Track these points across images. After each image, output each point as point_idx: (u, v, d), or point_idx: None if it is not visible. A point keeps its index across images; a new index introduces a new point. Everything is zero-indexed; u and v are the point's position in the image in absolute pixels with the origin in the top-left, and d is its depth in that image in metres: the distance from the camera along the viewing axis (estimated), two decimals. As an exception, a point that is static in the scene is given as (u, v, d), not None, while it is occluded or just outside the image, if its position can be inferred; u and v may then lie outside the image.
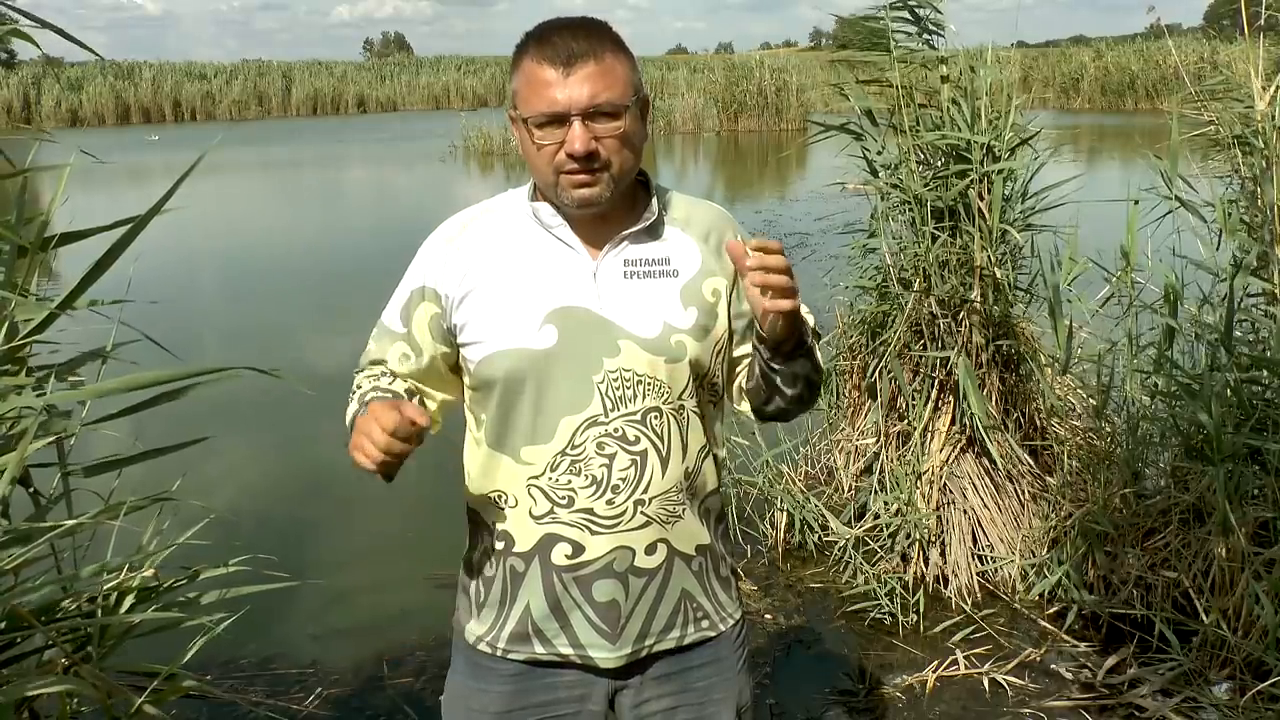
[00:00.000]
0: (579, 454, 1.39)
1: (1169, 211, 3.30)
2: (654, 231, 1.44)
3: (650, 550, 1.43)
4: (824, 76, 26.24)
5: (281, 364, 6.62)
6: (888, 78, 3.51)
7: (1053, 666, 3.03)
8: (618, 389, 1.39)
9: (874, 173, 3.66)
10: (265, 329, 7.78)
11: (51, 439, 1.62)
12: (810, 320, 1.47)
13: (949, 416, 3.53)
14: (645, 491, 1.41)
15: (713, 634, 1.52)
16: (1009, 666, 3.02)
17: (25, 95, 33.38)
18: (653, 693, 1.50)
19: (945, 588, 3.44)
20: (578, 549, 1.41)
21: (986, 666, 3.02)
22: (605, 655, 1.46)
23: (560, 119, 1.32)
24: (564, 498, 1.40)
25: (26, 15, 1.63)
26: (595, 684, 1.48)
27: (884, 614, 3.30)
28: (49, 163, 2.10)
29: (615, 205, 1.41)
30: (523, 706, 1.49)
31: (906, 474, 3.50)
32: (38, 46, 1.76)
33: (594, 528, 1.41)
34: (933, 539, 3.47)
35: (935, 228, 3.42)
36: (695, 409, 1.45)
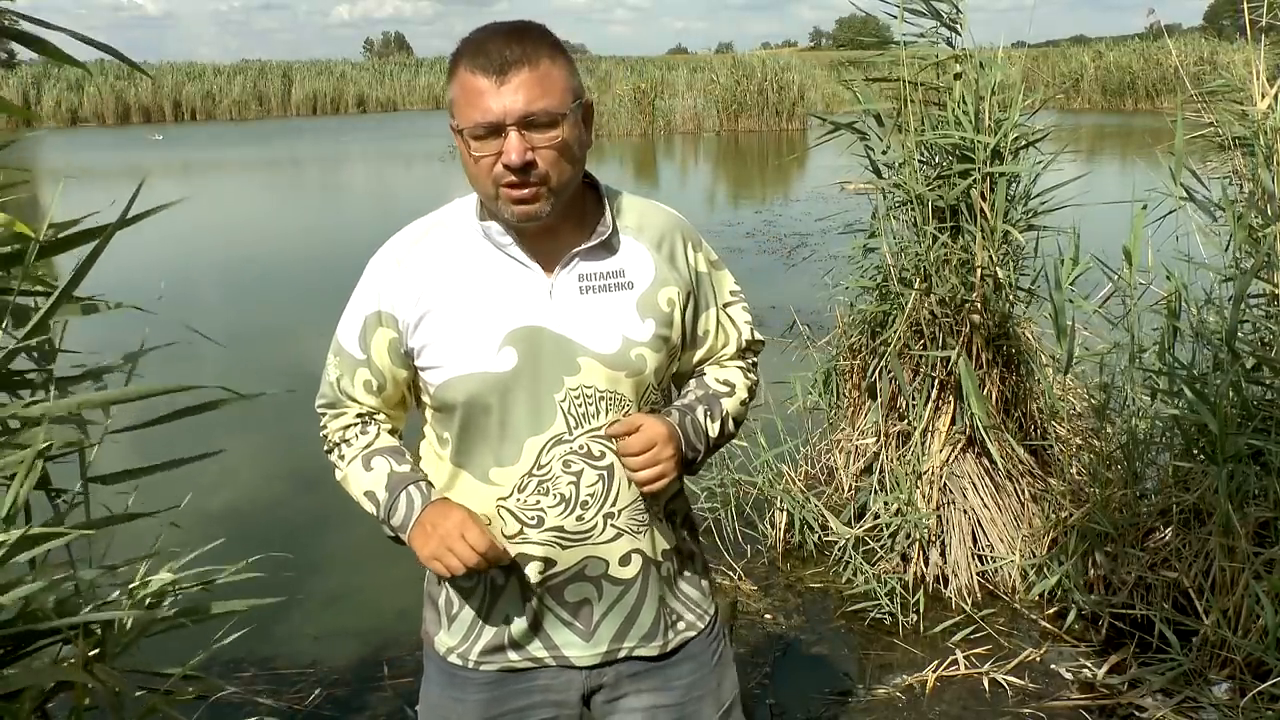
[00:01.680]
0: (546, 474, 1.39)
1: (1170, 212, 3.30)
2: (608, 244, 1.41)
3: (624, 561, 1.44)
4: (824, 76, 26.29)
5: (281, 364, 6.62)
6: (897, 74, 3.50)
7: (1053, 666, 3.03)
8: (580, 406, 1.38)
9: (877, 172, 3.66)
10: (266, 329, 7.78)
11: (73, 449, 1.63)
12: (706, 420, 1.48)
13: (949, 416, 3.53)
14: (614, 504, 1.41)
15: (692, 634, 1.53)
16: (1009, 666, 3.02)
17: (25, 95, 33.38)
18: (629, 689, 1.51)
19: (945, 588, 3.44)
20: (549, 564, 1.42)
21: (986, 666, 3.02)
22: (580, 653, 1.47)
23: (496, 129, 1.29)
24: (533, 518, 1.40)
25: (34, 20, 1.63)
26: (570, 685, 1.49)
27: (884, 614, 3.30)
28: (52, 162, 2.10)
29: (564, 218, 1.38)
30: (499, 714, 1.50)
31: (906, 474, 3.50)
32: (71, 60, 1.73)
33: (564, 544, 1.41)
34: (933, 539, 3.47)
35: (937, 227, 3.42)
36: None
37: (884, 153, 3.61)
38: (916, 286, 3.46)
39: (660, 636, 1.50)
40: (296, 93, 38.53)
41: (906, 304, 3.48)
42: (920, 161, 3.54)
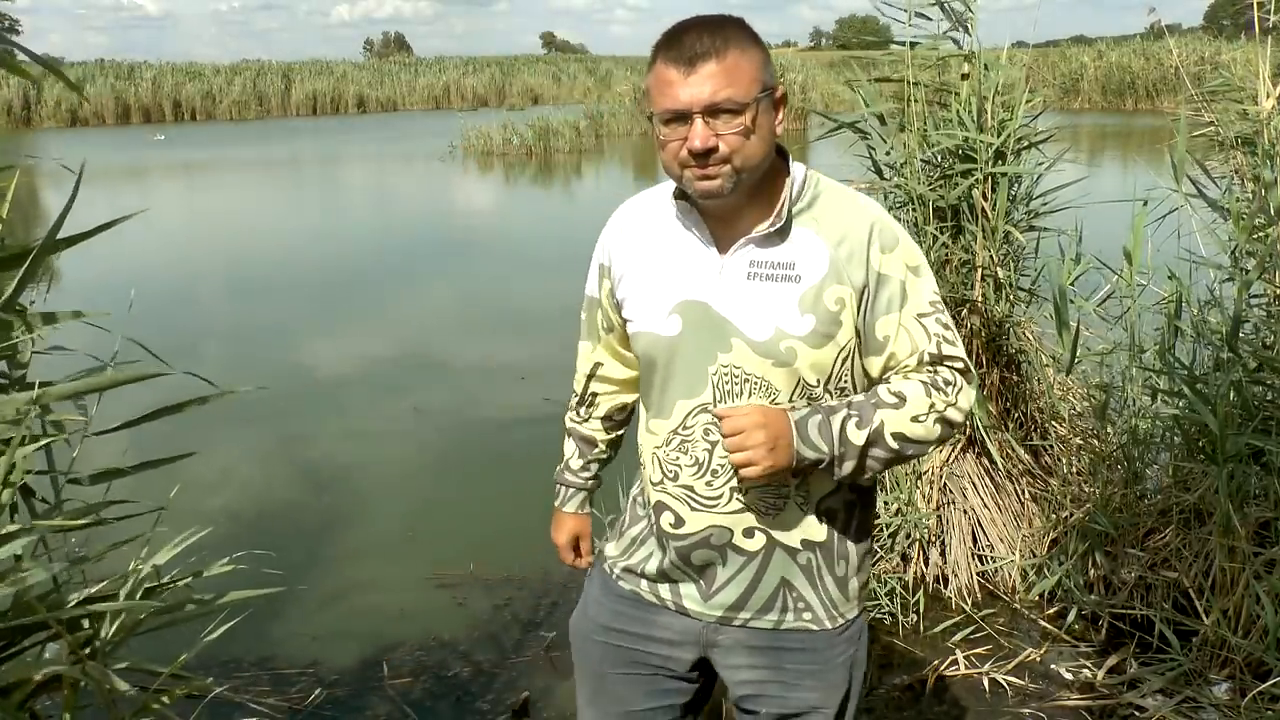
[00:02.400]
0: (688, 435, 1.51)
1: (1171, 211, 3.30)
2: (784, 233, 1.47)
3: (748, 534, 1.51)
4: (824, 77, 26.29)
5: (281, 365, 6.62)
6: (900, 74, 3.50)
7: (1053, 666, 3.03)
8: (728, 383, 1.47)
9: (879, 172, 3.65)
10: (266, 329, 7.77)
11: (47, 443, 1.62)
12: (848, 432, 1.43)
13: (949, 416, 3.53)
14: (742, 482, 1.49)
15: (814, 627, 1.56)
16: (1009, 666, 3.02)
17: (25, 95, 33.38)
18: (743, 660, 1.59)
19: (945, 588, 3.44)
20: (679, 520, 1.53)
21: (986, 666, 3.02)
22: (697, 608, 1.57)
23: (683, 116, 1.39)
24: (671, 472, 1.53)
25: (12, 43, 1.63)
26: (688, 633, 1.60)
27: (884, 614, 3.30)
28: (53, 167, 2.10)
29: (750, 202, 1.46)
30: (623, 630, 1.64)
31: (906, 474, 3.50)
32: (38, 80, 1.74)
33: (693, 504, 1.52)
34: (933, 539, 3.47)
35: (938, 227, 3.42)
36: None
37: (886, 153, 3.60)
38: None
39: (776, 612, 1.55)
40: (296, 93, 38.51)
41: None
42: (922, 161, 3.54)
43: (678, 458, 1.51)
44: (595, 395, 1.77)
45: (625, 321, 1.60)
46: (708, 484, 1.49)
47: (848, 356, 1.48)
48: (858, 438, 1.43)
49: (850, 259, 1.45)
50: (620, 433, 1.81)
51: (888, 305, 1.47)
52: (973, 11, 3.43)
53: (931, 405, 1.46)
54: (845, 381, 1.50)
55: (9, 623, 1.40)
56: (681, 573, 1.56)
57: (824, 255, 1.45)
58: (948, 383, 1.48)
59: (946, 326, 1.50)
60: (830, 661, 1.57)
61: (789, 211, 1.46)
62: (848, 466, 1.44)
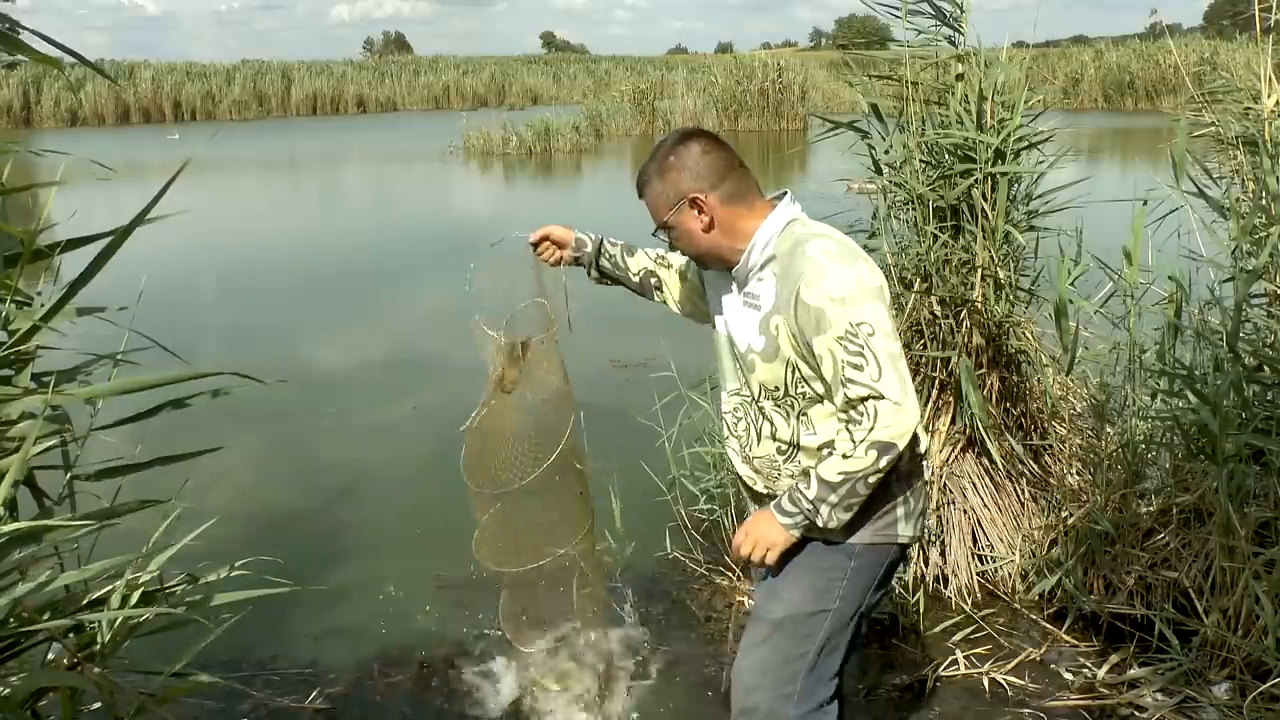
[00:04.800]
0: (728, 410, 2.06)
1: (1171, 211, 3.30)
2: (760, 273, 1.89)
3: (766, 492, 2.00)
4: (824, 76, 26.27)
5: (281, 365, 6.61)
6: (899, 74, 3.49)
7: (1053, 666, 3.03)
8: (738, 382, 2.02)
9: (878, 170, 3.65)
10: (266, 330, 7.76)
11: (56, 444, 1.62)
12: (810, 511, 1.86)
13: (949, 416, 3.53)
14: (750, 451, 2.01)
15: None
16: (1009, 666, 3.02)
17: (25, 95, 33.36)
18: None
19: (945, 588, 3.44)
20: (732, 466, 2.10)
21: (986, 666, 3.02)
22: None
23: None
24: (725, 434, 2.10)
25: (24, 27, 1.63)
26: None
27: (884, 614, 3.29)
28: (54, 165, 2.09)
29: (734, 259, 1.93)
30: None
31: (907, 474, 3.49)
32: (54, 63, 1.75)
33: (736, 462, 2.07)
34: (933, 539, 3.47)
35: (938, 227, 3.42)
36: (775, 409, 1.92)
37: (886, 151, 3.60)
38: (917, 287, 3.46)
39: None
40: (296, 93, 38.51)
41: (907, 304, 3.47)
42: (922, 161, 3.54)
43: (723, 428, 2.11)
44: (664, 257, 2.27)
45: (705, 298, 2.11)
46: (734, 451, 2.07)
47: (794, 370, 1.85)
48: (809, 493, 1.83)
49: (789, 294, 1.80)
50: (635, 277, 2.30)
51: (816, 329, 1.78)
52: (963, 10, 3.43)
53: (854, 440, 1.77)
54: (803, 388, 1.87)
55: (10, 630, 1.40)
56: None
57: (773, 291, 1.85)
58: (862, 414, 1.77)
59: (859, 353, 1.75)
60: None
61: (751, 263, 1.89)
62: (822, 518, 1.83)
